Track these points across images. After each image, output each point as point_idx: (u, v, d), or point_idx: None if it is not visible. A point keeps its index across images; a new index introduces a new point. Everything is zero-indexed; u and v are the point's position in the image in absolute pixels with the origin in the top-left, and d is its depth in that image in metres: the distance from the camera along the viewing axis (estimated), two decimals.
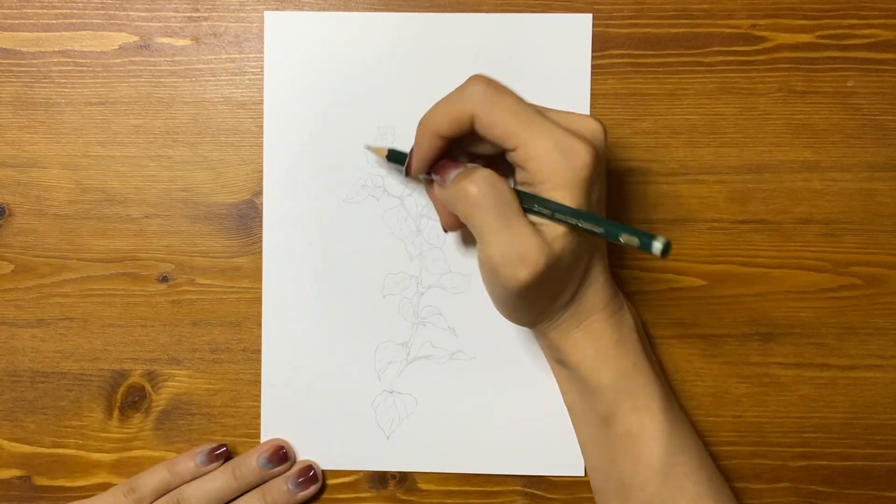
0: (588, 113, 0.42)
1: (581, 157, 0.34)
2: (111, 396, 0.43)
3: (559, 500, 0.43)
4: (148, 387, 0.43)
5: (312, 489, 0.42)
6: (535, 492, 0.43)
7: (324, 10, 0.43)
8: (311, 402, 0.43)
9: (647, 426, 0.37)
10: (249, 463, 0.42)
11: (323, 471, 0.43)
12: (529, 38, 0.42)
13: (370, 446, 0.43)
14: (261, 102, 0.43)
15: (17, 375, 0.43)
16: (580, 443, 0.42)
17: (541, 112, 0.35)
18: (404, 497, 0.43)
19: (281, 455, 0.42)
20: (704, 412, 0.43)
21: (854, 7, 0.42)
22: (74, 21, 0.43)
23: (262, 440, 0.43)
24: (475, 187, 0.35)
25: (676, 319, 0.43)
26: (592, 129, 0.36)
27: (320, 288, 0.43)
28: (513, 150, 0.35)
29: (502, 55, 0.42)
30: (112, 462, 0.43)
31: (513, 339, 0.43)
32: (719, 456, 0.43)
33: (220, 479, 0.41)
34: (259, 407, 0.43)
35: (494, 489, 0.43)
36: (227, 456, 0.42)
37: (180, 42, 0.43)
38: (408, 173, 0.39)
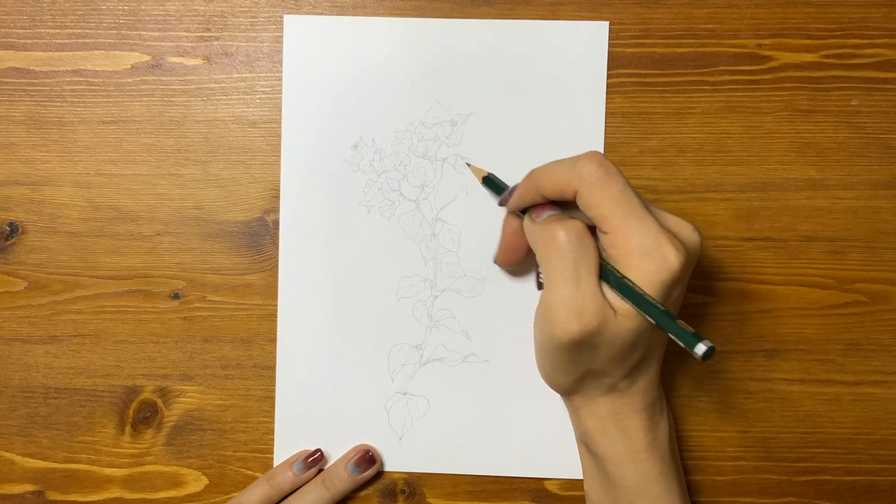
0: (603, 137, 0.43)
1: (667, 265, 0.34)
2: (123, 412, 0.44)
3: None
4: (160, 403, 0.44)
5: (371, 471, 0.43)
6: None
7: (340, 15, 0.43)
8: (325, 402, 0.43)
9: None
10: (339, 472, 0.42)
11: None
12: (546, 45, 0.43)
13: (382, 447, 0.44)
14: (272, 121, 0.43)
15: (30, 391, 0.44)
16: None
17: (643, 206, 0.35)
18: None
19: (368, 458, 0.43)
20: (710, 427, 0.44)
21: (858, 27, 0.43)
22: (87, 41, 0.43)
23: (277, 435, 0.43)
24: (564, 234, 0.35)
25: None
26: (689, 236, 0.36)
27: (336, 289, 0.43)
28: (605, 234, 0.35)
29: (519, 61, 0.43)
30: (124, 477, 0.44)
31: (525, 343, 0.43)
32: (724, 471, 0.44)
33: (314, 493, 0.42)
34: (270, 423, 0.44)
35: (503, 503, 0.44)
36: (322, 460, 0.43)
37: (192, 61, 0.43)
38: (501, 204, 0.40)
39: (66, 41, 0.43)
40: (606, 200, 0.34)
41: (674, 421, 0.42)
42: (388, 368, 0.44)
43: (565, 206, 0.38)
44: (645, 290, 0.34)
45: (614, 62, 0.43)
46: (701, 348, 0.32)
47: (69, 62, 0.43)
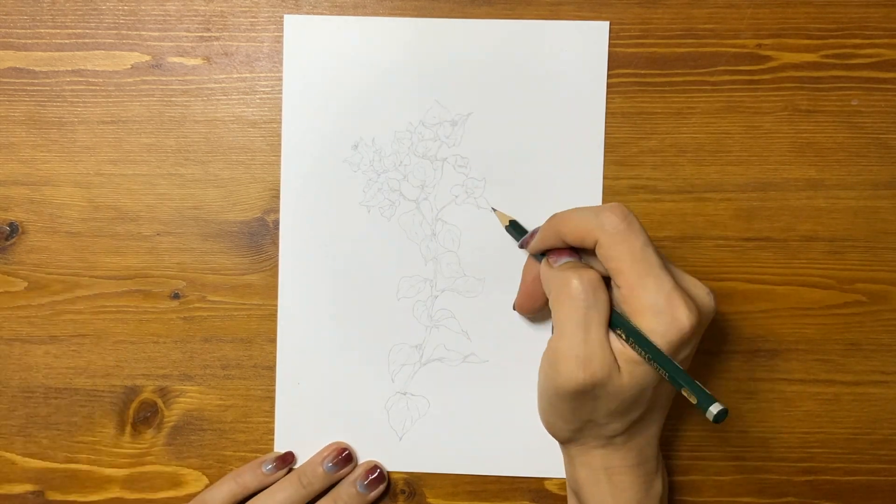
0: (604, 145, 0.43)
1: (678, 325, 0.34)
2: (123, 412, 0.44)
3: None
4: (160, 402, 0.44)
5: (381, 488, 0.43)
6: None
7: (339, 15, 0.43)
8: (325, 402, 0.44)
9: None
10: (315, 469, 0.42)
11: None
12: (547, 45, 0.43)
13: (383, 447, 0.44)
14: (272, 121, 0.43)
15: (30, 391, 0.44)
16: None
17: (661, 265, 0.35)
18: None
19: (345, 457, 0.42)
20: (710, 427, 0.44)
21: (858, 27, 0.43)
22: (87, 41, 0.43)
23: (277, 435, 0.43)
24: (578, 283, 0.35)
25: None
26: (703, 299, 0.36)
27: (336, 289, 0.43)
28: (619, 288, 0.35)
29: (519, 61, 0.43)
30: (124, 477, 0.44)
31: (525, 343, 0.43)
32: (725, 470, 0.44)
33: (290, 489, 0.42)
34: (270, 423, 0.44)
35: None
36: (293, 461, 0.43)
37: (192, 61, 0.43)
38: (522, 246, 0.41)
39: (67, 41, 0.43)
40: (626, 255, 0.34)
41: (668, 485, 0.41)
42: (388, 368, 0.44)
43: (584, 253, 0.38)
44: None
45: (614, 62, 0.43)
46: (712, 411, 0.32)
47: (69, 62, 0.43)
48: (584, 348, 0.34)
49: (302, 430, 0.44)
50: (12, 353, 0.44)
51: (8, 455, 0.44)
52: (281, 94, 0.43)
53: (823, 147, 0.43)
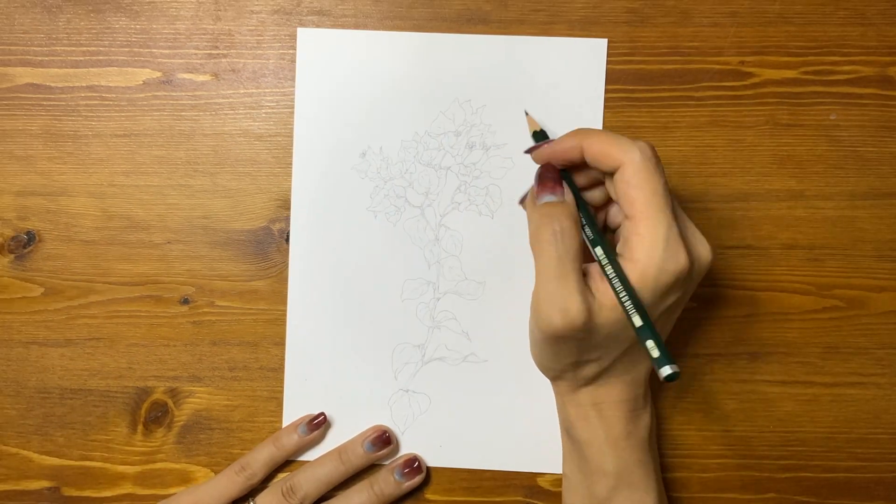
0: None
1: (677, 264, 0.35)
2: (135, 412, 0.46)
3: None
4: (170, 403, 0.46)
5: (417, 479, 0.44)
6: (536, 502, 0.46)
7: (343, 28, 0.45)
8: (330, 398, 0.45)
9: None
10: (355, 448, 0.44)
11: None
12: (547, 60, 0.45)
13: None
14: (277, 134, 0.45)
15: (46, 392, 0.46)
16: None
17: (675, 208, 0.36)
18: None
19: (384, 439, 0.44)
20: (696, 427, 0.46)
21: (836, 45, 0.45)
22: (101, 58, 0.45)
23: (284, 425, 0.45)
24: (551, 231, 0.36)
25: (669, 339, 0.45)
26: (703, 252, 0.37)
27: (342, 290, 0.45)
28: (628, 217, 0.36)
29: (520, 75, 0.45)
30: (136, 474, 0.46)
31: (523, 344, 0.45)
32: (709, 468, 0.46)
33: (329, 465, 0.43)
34: (276, 423, 0.46)
35: (498, 499, 0.46)
36: (326, 423, 0.45)
37: (201, 77, 0.45)
38: (529, 151, 0.40)
39: (81, 58, 0.45)
40: (648, 187, 0.35)
41: (657, 422, 0.43)
42: (392, 367, 0.46)
43: (575, 170, 0.38)
44: (647, 281, 0.35)
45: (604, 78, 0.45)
46: (664, 371, 0.33)
47: (84, 78, 0.45)
48: (561, 297, 0.35)
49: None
50: (30, 356, 0.46)
51: (25, 453, 0.46)
52: (286, 108, 0.45)
53: (803, 159, 0.45)
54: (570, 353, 0.38)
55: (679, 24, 0.45)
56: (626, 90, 0.45)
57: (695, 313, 0.45)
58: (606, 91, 0.45)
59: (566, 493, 0.42)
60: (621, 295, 0.35)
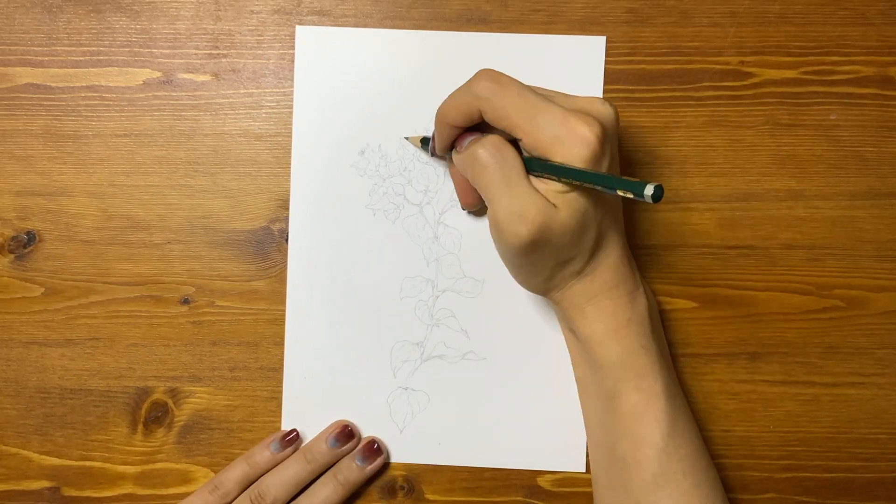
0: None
1: (582, 141, 0.35)
2: (135, 412, 0.46)
3: None
4: (170, 403, 0.46)
5: (379, 461, 0.45)
6: (536, 502, 0.46)
7: (342, 26, 0.45)
8: (330, 396, 0.45)
9: (650, 407, 0.39)
10: (319, 446, 0.44)
11: None
12: (546, 58, 0.45)
13: (384, 439, 0.46)
14: (277, 134, 0.45)
15: (46, 392, 0.46)
16: (585, 418, 0.44)
17: (543, 100, 0.36)
18: None
19: (347, 433, 0.44)
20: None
21: (836, 45, 0.45)
22: (101, 58, 0.45)
23: (284, 425, 0.45)
24: (483, 150, 0.37)
25: (669, 339, 0.45)
26: (600, 110, 0.37)
27: (342, 287, 0.45)
28: (521, 140, 0.37)
29: (520, 73, 0.44)
30: (136, 474, 0.46)
31: (522, 341, 0.45)
32: None
33: (295, 466, 0.44)
34: (275, 422, 0.46)
35: (497, 499, 0.46)
36: (298, 440, 0.45)
37: (201, 78, 0.46)
38: (433, 154, 0.42)
39: (82, 58, 0.45)
40: (508, 108, 0.36)
41: (655, 298, 0.43)
42: (391, 364, 0.46)
43: (487, 128, 0.39)
44: (573, 160, 0.35)
45: (605, 78, 0.45)
46: (649, 190, 0.33)
47: (84, 78, 0.45)
48: (516, 204, 0.36)
49: (307, 422, 0.45)
50: (30, 356, 0.46)
51: (25, 453, 0.46)
52: (286, 108, 0.45)
53: (803, 159, 0.45)
54: (547, 258, 0.38)
55: (679, 24, 0.45)
56: (626, 90, 0.45)
57: (694, 313, 0.45)
58: (607, 91, 0.45)
59: (581, 399, 0.43)
60: (564, 171, 0.35)
